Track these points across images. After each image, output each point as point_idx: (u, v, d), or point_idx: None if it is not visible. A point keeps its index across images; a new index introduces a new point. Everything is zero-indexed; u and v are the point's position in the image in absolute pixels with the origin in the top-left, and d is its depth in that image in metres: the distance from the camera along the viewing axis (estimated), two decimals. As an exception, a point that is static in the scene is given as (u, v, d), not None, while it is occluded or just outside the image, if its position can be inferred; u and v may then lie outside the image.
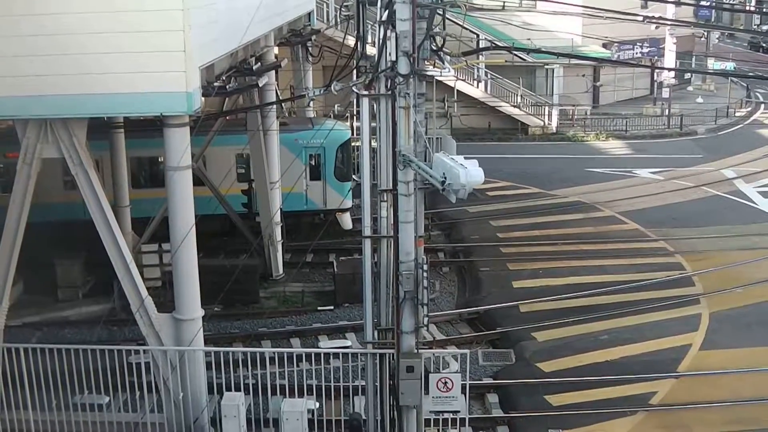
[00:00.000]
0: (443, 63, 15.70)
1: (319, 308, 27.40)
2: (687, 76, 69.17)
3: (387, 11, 15.13)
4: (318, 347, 24.18)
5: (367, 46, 17.01)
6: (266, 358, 20.05)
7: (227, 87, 20.74)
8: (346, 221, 33.03)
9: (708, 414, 20.76)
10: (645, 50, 62.28)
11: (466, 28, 41.11)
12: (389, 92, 15.60)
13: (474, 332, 25.91)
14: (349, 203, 32.66)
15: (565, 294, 27.51)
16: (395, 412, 16.89)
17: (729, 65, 71.59)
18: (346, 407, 20.35)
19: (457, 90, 48.98)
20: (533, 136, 52.77)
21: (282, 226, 29.72)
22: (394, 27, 14.91)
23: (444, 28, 15.91)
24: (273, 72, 28.39)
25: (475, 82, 52.85)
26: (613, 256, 31.40)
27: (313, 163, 32.40)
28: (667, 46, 58.34)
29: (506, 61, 50.72)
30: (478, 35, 50.43)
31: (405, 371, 15.91)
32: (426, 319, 16.10)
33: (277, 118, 33.00)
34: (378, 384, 17.35)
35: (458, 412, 17.04)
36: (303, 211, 32.43)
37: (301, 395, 18.61)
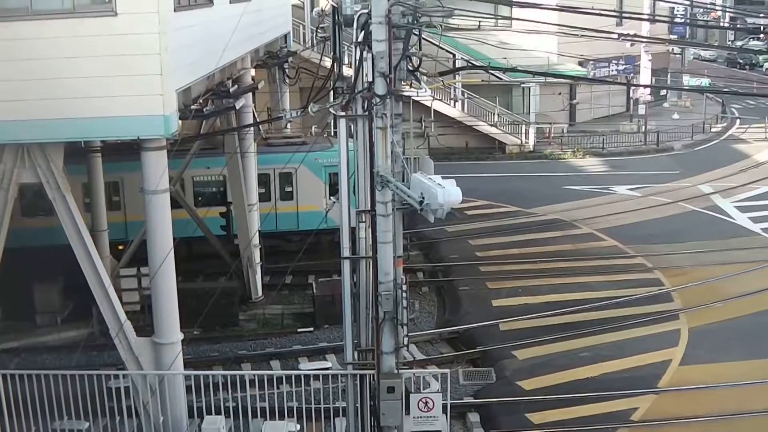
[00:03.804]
0: (420, 83, 15.74)
1: (298, 330, 27.30)
2: (663, 92, 69.65)
3: (363, 32, 15.17)
4: (298, 369, 24.11)
5: (344, 67, 17.04)
6: (246, 381, 19.92)
7: (204, 110, 20.75)
8: None
9: (688, 429, 20.81)
10: (620, 67, 62.79)
11: (443, 48, 41.30)
12: (366, 113, 15.59)
13: (454, 351, 25.90)
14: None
15: (545, 312, 27.55)
16: (376, 433, 16.85)
17: (704, 81, 72.32)
18: (327, 429, 20.27)
19: (434, 110, 49.05)
20: (510, 155, 52.94)
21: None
22: (370, 48, 14.93)
23: (420, 49, 15.95)
24: (250, 94, 28.39)
25: (452, 102, 53.05)
26: (592, 273, 31.47)
27: (332, 181, 32.37)
28: (642, 63, 58.74)
29: (483, 81, 50.77)
30: (454, 55, 50.57)
31: (386, 392, 15.86)
32: (406, 339, 16.05)
33: (294, 137, 33.28)
34: (359, 405, 17.27)
35: (439, 431, 17.01)
36: (323, 230, 32.37)
37: (282, 418, 18.50)
